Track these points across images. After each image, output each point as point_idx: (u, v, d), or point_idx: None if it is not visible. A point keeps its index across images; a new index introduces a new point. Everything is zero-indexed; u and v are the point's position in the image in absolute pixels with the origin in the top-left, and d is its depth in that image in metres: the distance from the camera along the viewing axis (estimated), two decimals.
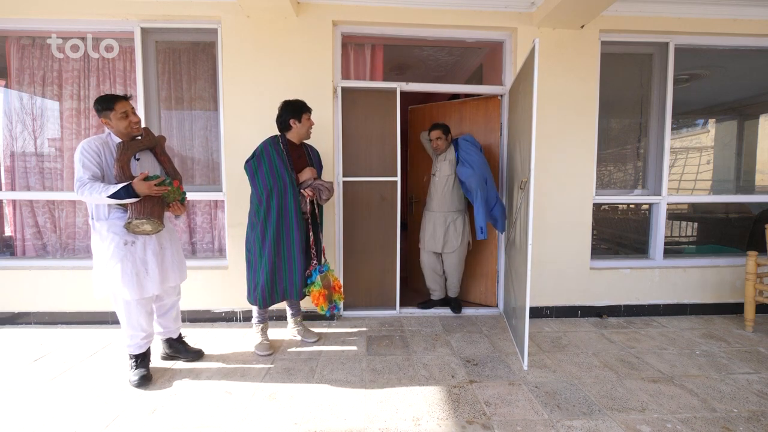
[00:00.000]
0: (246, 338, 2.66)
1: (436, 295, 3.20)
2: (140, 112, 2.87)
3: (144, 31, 2.86)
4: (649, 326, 2.93)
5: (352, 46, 3.09)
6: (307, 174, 2.38)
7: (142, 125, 2.14)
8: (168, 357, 2.35)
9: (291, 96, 2.83)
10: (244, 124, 2.85)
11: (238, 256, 2.90)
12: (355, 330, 2.79)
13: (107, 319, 2.91)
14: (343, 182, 2.99)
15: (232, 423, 1.74)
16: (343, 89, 2.95)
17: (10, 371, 2.22)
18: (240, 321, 2.96)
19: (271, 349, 2.45)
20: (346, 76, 3.05)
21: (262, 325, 2.51)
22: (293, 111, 2.36)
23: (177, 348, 2.35)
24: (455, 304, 3.16)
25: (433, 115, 3.45)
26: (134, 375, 2.06)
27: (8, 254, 3.09)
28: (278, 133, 2.44)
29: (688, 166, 3.46)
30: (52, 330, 2.82)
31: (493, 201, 2.81)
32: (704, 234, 3.60)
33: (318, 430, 1.70)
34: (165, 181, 1.94)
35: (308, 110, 2.41)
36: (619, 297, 3.12)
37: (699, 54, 3.23)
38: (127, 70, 2.97)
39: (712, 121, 3.57)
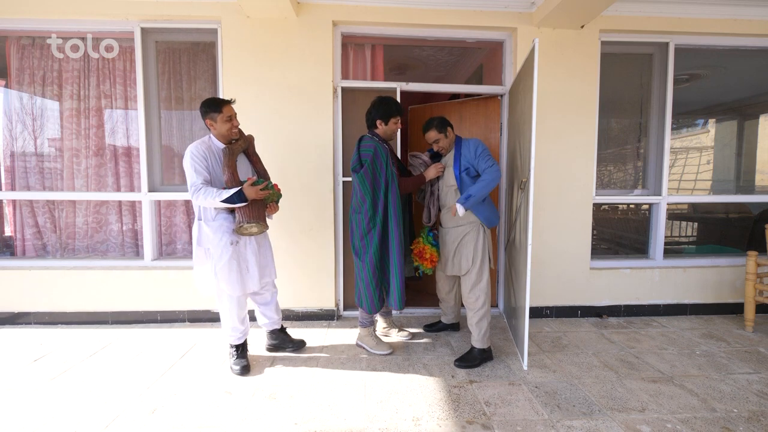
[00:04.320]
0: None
1: (447, 319, 2.78)
2: (140, 112, 2.88)
3: (144, 31, 2.86)
4: (649, 326, 2.93)
5: (352, 46, 3.09)
6: (432, 172, 2.38)
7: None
8: (273, 348, 2.49)
9: (291, 96, 2.85)
10: (244, 124, 2.83)
11: None
12: (355, 330, 2.79)
13: (107, 319, 2.91)
14: (343, 182, 2.99)
15: (232, 423, 1.74)
16: (343, 89, 2.95)
17: (10, 371, 2.22)
18: None
19: (392, 348, 2.46)
20: (345, 76, 3.05)
21: (373, 326, 2.50)
22: (382, 113, 2.30)
23: (282, 338, 2.49)
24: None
25: (433, 115, 3.43)
26: (236, 365, 2.20)
27: (8, 254, 3.09)
28: (368, 132, 2.38)
29: (688, 166, 3.46)
30: (52, 330, 2.82)
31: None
32: (704, 234, 3.60)
33: (318, 430, 1.70)
34: (268, 184, 2.06)
35: (398, 115, 2.34)
36: (619, 297, 3.12)
37: (699, 54, 3.23)
38: (127, 70, 2.97)
39: (712, 121, 3.57)
